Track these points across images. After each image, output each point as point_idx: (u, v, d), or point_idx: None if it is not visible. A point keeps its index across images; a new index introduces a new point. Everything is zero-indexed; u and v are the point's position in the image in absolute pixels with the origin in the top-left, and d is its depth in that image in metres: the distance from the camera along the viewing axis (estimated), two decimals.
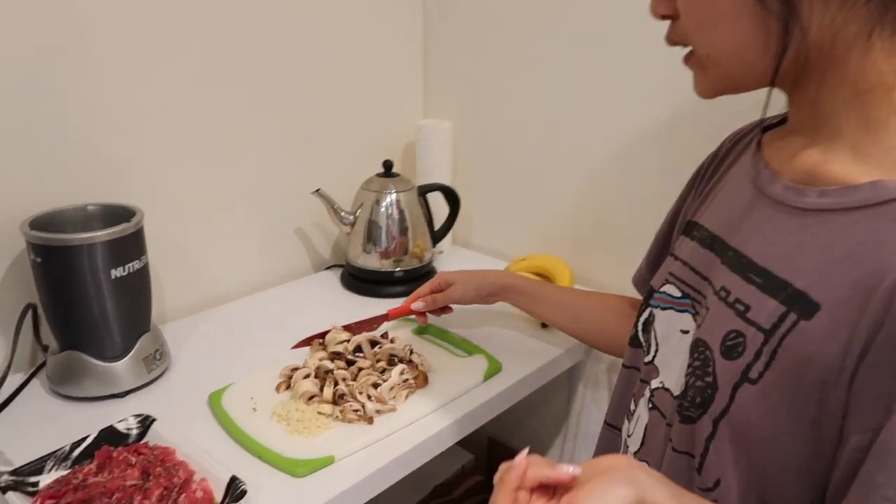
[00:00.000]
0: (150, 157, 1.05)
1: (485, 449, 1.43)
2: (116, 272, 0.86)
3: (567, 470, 0.48)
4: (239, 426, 0.82)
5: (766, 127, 0.66)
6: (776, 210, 0.57)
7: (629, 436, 0.72)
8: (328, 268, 1.35)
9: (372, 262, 1.22)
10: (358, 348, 0.95)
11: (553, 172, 1.27)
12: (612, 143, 1.17)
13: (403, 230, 1.22)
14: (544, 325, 1.07)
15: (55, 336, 0.89)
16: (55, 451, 0.74)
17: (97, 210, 0.94)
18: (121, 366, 0.88)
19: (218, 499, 0.70)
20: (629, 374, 0.74)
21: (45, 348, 0.95)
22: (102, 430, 0.78)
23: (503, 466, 0.51)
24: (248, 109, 1.16)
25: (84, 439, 0.76)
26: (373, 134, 1.38)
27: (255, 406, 0.86)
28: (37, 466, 0.73)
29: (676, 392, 0.62)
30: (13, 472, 0.71)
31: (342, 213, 1.22)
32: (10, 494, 0.68)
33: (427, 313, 1.04)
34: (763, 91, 0.56)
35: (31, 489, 0.71)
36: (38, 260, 0.84)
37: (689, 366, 0.60)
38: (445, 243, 1.37)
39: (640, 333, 0.72)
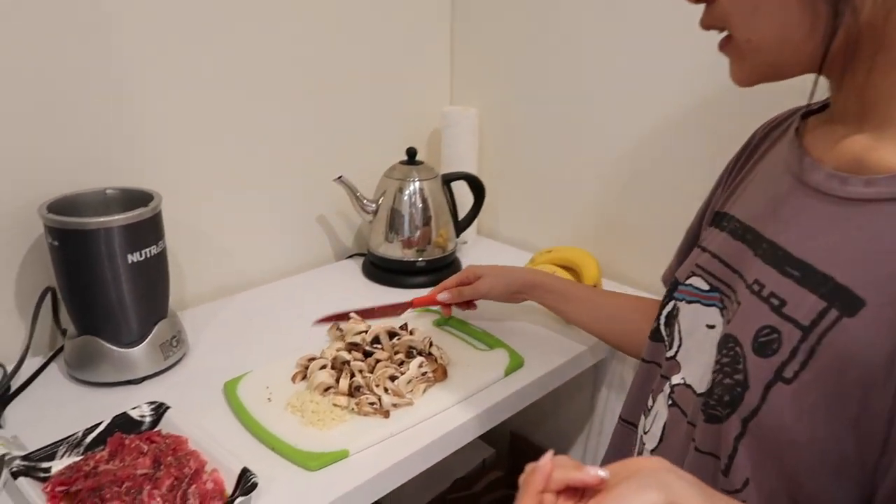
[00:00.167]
0: (172, 141, 1.04)
1: (507, 443, 1.40)
2: (133, 257, 0.85)
3: (595, 472, 0.46)
4: (253, 416, 0.81)
5: (805, 114, 0.62)
6: (817, 199, 0.53)
7: (645, 432, 0.69)
8: (350, 256, 1.33)
9: (394, 251, 1.20)
10: (376, 339, 0.93)
11: (581, 162, 1.23)
12: (641, 135, 1.13)
13: (427, 219, 1.19)
14: None
15: (72, 320, 0.89)
16: (68, 437, 0.74)
17: (116, 194, 0.93)
18: (137, 352, 0.88)
19: (229, 490, 0.69)
20: (649, 368, 0.72)
21: (64, 332, 0.95)
22: (116, 416, 0.77)
23: (528, 468, 0.49)
24: (272, 95, 1.14)
25: (97, 426, 0.76)
26: (397, 120, 1.35)
27: (269, 396, 0.84)
28: (49, 452, 0.72)
29: (700, 389, 0.60)
30: (25, 458, 0.70)
31: (364, 201, 1.20)
32: (22, 480, 0.68)
33: (452, 306, 1.01)
34: (798, 77, 0.53)
35: (42, 475, 0.70)
36: (56, 243, 0.83)
37: (717, 362, 0.57)
38: (470, 233, 1.34)
39: (662, 327, 0.69)
